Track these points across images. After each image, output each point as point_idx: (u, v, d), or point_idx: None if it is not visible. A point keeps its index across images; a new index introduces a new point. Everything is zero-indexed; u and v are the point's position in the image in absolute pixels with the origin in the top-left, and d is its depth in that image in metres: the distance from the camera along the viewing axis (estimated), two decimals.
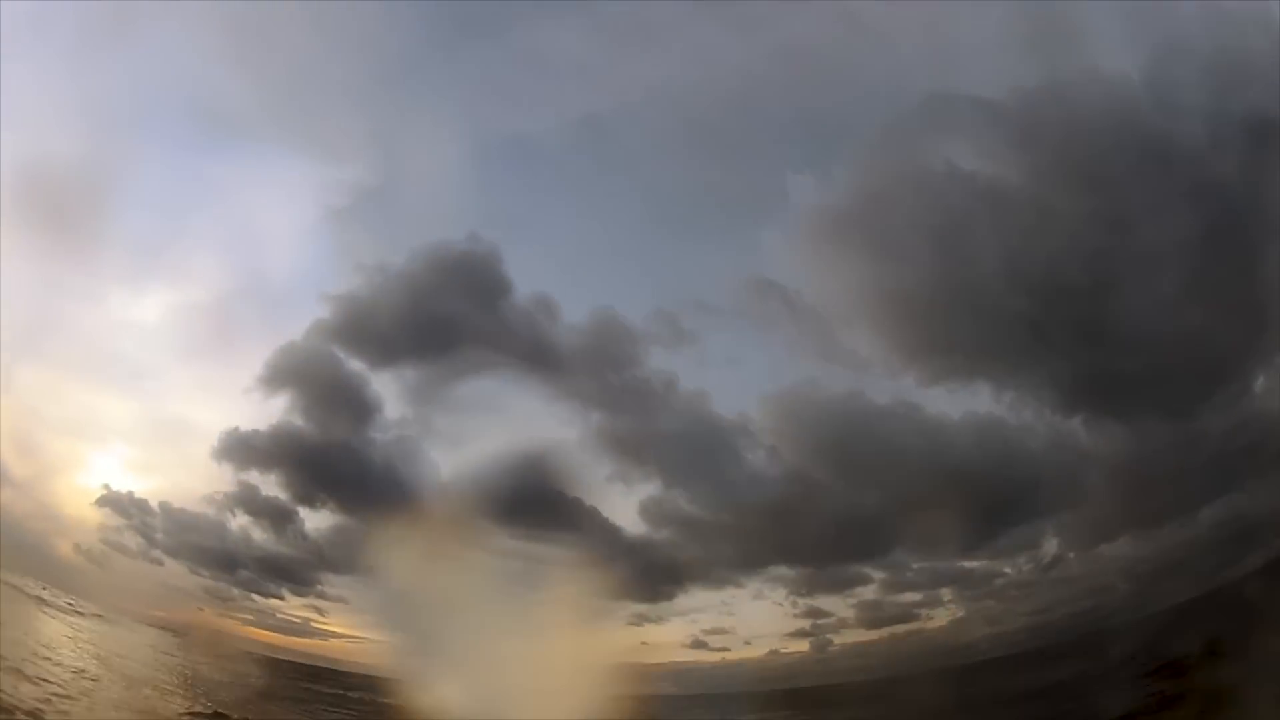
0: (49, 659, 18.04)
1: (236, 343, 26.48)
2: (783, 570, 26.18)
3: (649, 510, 26.57)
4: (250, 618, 25.63)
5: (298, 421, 26.63)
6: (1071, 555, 24.89)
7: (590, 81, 28.00)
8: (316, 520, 26.28)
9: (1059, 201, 24.60)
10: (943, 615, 25.19)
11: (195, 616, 25.75)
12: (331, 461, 26.83)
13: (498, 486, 21.58)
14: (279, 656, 26.51)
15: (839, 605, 25.70)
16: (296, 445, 26.28)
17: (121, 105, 26.54)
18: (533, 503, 22.56)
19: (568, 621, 19.21)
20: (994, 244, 25.10)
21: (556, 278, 28.36)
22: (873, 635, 25.40)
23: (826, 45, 25.77)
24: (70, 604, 27.62)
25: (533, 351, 26.34)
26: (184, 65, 26.69)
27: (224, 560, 25.74)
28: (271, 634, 25.68)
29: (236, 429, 26.08)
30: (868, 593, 25.67)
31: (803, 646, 25.78)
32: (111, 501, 26.00)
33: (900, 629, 25.17)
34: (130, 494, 26.15)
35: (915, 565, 25.54)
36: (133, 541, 25.69)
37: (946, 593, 25.28)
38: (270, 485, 26.35)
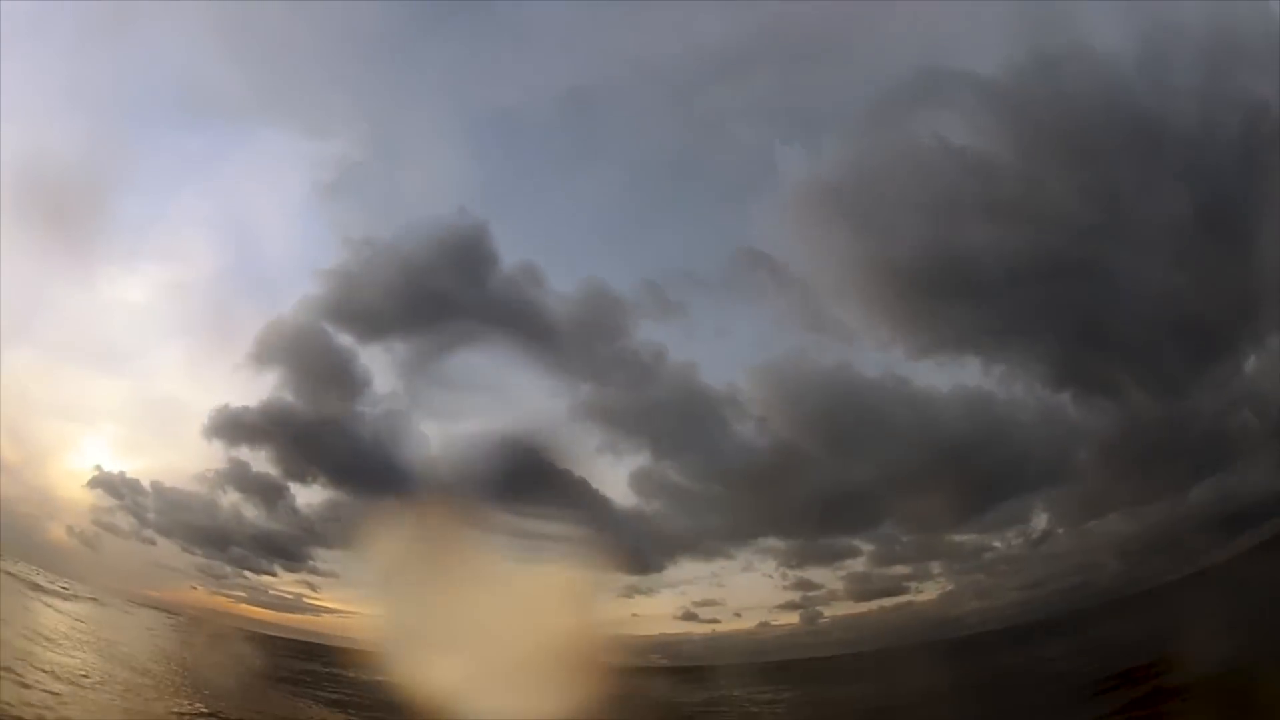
0: (47, 654, 17.74)
1: (226, 320, 26.47)
2: (773, 542, 26.42)
3: (639, 481, 26.87)
4: (242, 595, 25.79)
5: (288, 397, 26.68)
6: (1060, 531, 25.05)
7: (578, 55, 27.99)
8: (307, 495, 26.38)
9: (1050, 178, 24.61)
10: (932, 589, 25.34)
11: (188, 595, 25.84)
12: (321, 436, 26.90)
13: (487, 459, 21.65)
14: (272, 634, 26.69)
15: (829, 577, 25.96)
16: (287, 421, 26.35)
17: (111, 87, 26.43)
18: (522, 475, 22.61)
19: (558, 594, 19.24)
20: (984, 219, 25.14)
21: (544, 251, 28.42)
22: (862, 608, 25.64)
23: (816, 17, 25.73)
24: (65, 588, 27.59)
25: (521, 324, 26.48)
26: (172, 45, 26.54)
27: (216, 538, 25.85)
28: (264, 610, 25.94)
29: (227, 406, 26.06)
30: (857, 565, 25.87)
31: (793, 619, 26.03)
32: (103, 482, 26.06)
33: (890, 602, 25.39)
34: (122, 474, 26.22)
35: (905, 538, 25.77)
36: (125, 522, 25.79)
37: (936, 566, 25.46)
38: (261, 461, 26.43)
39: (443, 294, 26.78)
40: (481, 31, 28.19)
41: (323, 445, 26.75)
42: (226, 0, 24.96)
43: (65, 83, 25.26)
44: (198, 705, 15.83)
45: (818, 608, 25.75)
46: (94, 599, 27.52)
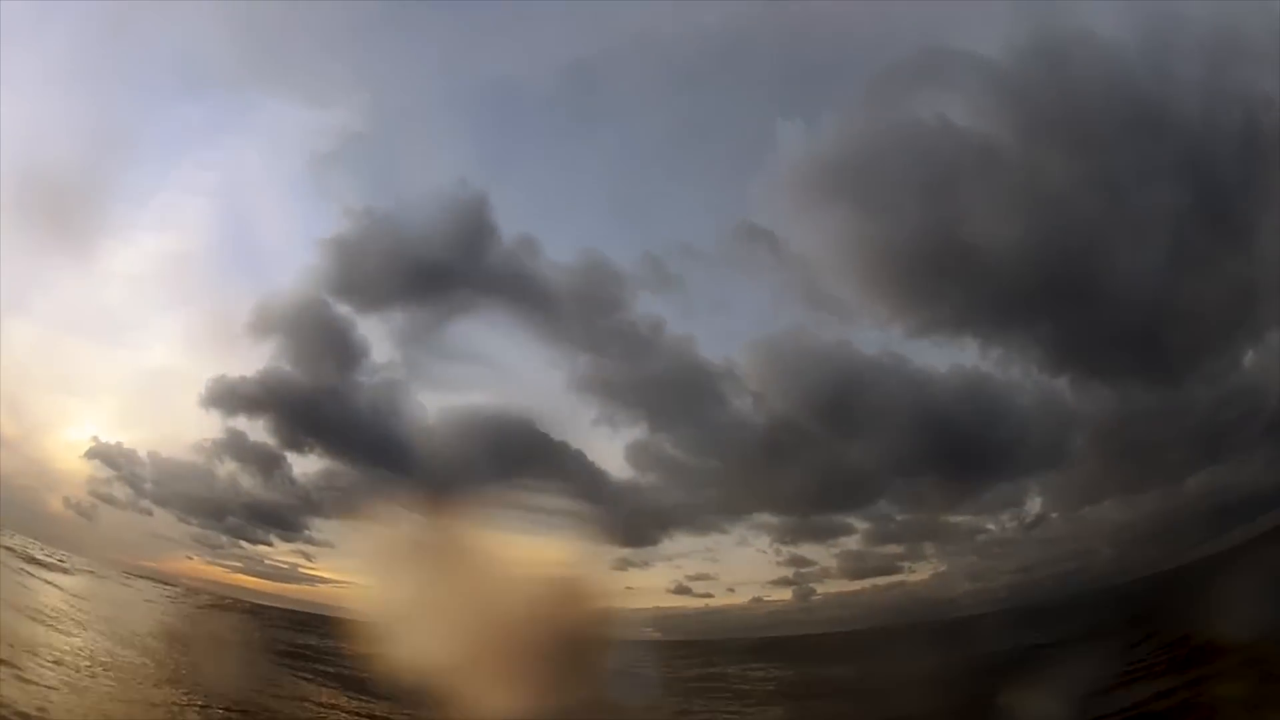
0: (48, 636, 17.68)
1: (224, 290, 26.53)
2: (767, 518, 26.56)
3: (635, 454, 26.97)
4: (238, 565, 25.85)
5: (285, 367, 26.68)
6: (1054, 515, 25.18)
7: (579, 27, 27.84)
8: (304, 465, 26.41)
9: (1050, 163, 24.56)
10: (925, 569, 25.49)
11: (184, 565, 25.91)
12: (319, 406, 26.91)
13: (484, 430, 21.70)
14: (266, 603, 26.80)
15: (822, 554, 26.08)
16: (284, 391, 26.33)
17: (109, 58, 26.33)
18: (518, 446, 22.70)
19: (553, 566, 19.26)
20: (984, 200, 25.10)
21: (544, 222, 28.56)
22: (855, 586, 25.78)
23: None
24: (61, 560, 27.66)
25: (520, 295, 26.47)
26: (171, 15, 26.33)
27: (212, 508, 25.87)
28: (259, 580, 26.01)
29: (224, 376, 26.06)
30: (851, 543, 25.96)
31: (785, 595, 26.16)
32: (100, 453, 26.10)
33: (882, 581, 25.52)
34: (119, 445, 26.27)
35: (899, 517, 25.85)
36: (121, 493, 25.83)
37: (929, 546, 25.59)
38: (258, 431, 26.44)
39: (441, 265, 26.71)
40: (483, 2, 28.05)
41: (320, 415, 26.86)
42: None
43: (64, 55, 25.14)
44: (199, 693, 15.70)
45: (811, 585, 25.96)
46: (91, 571, 27.63)
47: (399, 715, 17.70)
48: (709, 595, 26.39)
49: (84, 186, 23.50)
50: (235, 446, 26.05)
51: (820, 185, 25.98)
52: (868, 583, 25.55)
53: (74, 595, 23.35)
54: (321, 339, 26.67)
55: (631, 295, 27.25)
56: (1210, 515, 21.16)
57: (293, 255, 28.15)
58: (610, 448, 26.48)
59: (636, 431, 27.01)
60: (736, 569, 26.35)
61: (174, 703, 14.58)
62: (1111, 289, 23.62)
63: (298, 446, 26.35)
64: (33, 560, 26.28)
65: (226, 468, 26.19)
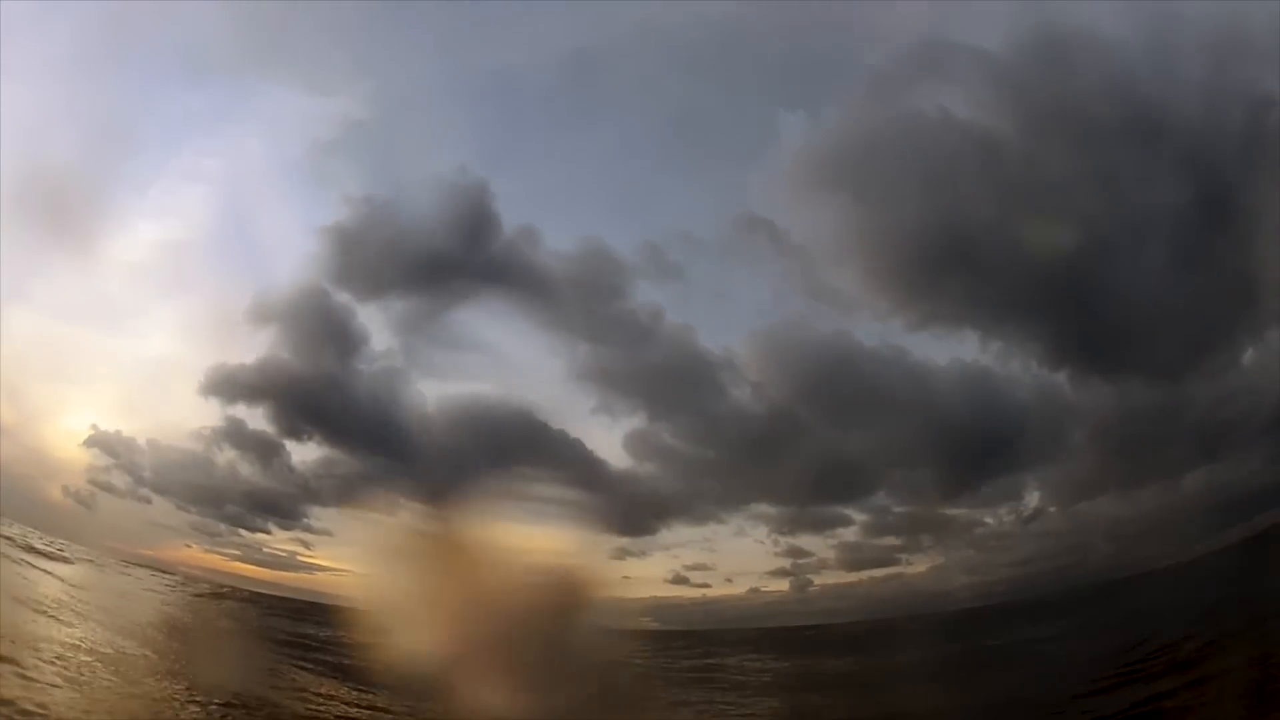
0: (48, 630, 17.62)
1: (224, 277, 26.48)
2: (765, 508, 26.55)
3: (633, 443, 26.98)
4: (236, 553, 25.86)
5: (285, 355, 26.67)
6: (1052, 509, 25.26)
7: (581, 15, 27.72)
8: (303, 453, 26.40)
9: (1052, 158, 24.52)
10: (923, 561, 25.49)
11: (182, 553, 25.92)
12: (318, 394, 26.86)
13: (483, 418, 21.71)
14: (264, 591, 26.84)
15: (820, 545, 26.07)
16: (283, 378, 26.30)
17: (111, 46, 26.13)
18: (517, 434, 22.71)
19: (551, 555, 19.28)
20: (985, 194, 25.05)
21: (545, 211, 28.53)
22: (852, 578, 25.78)
23: None
24: (60, 549, 27.64)
25: (520, 284, 26.55)
26: (170, 3, 26.27)
27: (211, 496, 25.90)
28: (257, 568, 26.03)
29: (224, 364, 26.09)
30: (849, 535, 25.99)
31: (783, 586, 26.12)
32: (99, 441, 26.16)
33: (880, 573, 25.54)
34: (118, 432, 26.32)
35: (897, 509, 25.89)
36: (120, 481, 25.88)
37: (927, 539, 25.62)
38: (257, 419, 26.45)
39: (441, 253, 26.73)
40: None
41: (319, 403, 26.86)
42: None
43: (64, 45, 25.05)
44: (199, 686, 15.61)
45: (808, 576, 25.95)
46: (90, 560, 27.62)
47: (398, 706, 17.66)
48: (706, 585, 26.51)
49: (84, 175, 23.53)
50: (234, 434, 26.14)
51: (821, 177, 25.99)
52: (865, 574, 25.65)
53: (73, 585, 23.33)
54: (321, 327, 26.70)
55: (631, 284, 27.36)
56: (1208, 512, 21.15)
57: (292, 243, 28.12)
58: (609, 437, 26.60)
59: (635, 421, 27.14)
60: (734, 559, 26.45)
61: (174, 697, 14.48)
62: (1112, 285, 23.63)
63: (296, 435, 26.38)
64: (32, 549, 26.25)
65: (225, 456, 26.26)
